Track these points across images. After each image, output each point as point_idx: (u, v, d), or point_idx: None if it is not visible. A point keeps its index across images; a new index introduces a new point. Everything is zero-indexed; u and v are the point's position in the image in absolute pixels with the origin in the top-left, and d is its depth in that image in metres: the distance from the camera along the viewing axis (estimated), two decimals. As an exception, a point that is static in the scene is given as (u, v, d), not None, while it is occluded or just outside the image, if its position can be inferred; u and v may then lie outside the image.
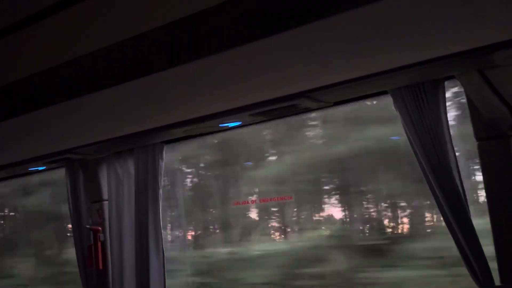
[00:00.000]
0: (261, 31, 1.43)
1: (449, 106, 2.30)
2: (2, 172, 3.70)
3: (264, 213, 3.89)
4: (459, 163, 2.27)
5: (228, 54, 1.55)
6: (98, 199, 3.47)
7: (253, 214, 3.90)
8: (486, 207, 2.22)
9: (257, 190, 3.88)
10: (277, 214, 3.89)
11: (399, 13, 1.39)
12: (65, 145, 2.97)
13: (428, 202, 3.16)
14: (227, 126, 2.79)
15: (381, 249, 3.32)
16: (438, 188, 2.24)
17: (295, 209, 3.81)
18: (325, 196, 3.71)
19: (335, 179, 3.70)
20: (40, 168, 3.65)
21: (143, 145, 3.17)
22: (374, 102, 3.05)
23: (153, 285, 3.14)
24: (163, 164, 3.18)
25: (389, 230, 3.52)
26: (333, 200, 3.69)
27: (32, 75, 1.74)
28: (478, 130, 2.25)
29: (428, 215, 3.42)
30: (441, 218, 2.30)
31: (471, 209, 2.24)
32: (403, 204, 3.51)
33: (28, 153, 3.10)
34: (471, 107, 2.25)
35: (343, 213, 3.69)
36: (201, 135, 3.04)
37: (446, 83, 2.28)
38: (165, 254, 3.19)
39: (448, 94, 2.29)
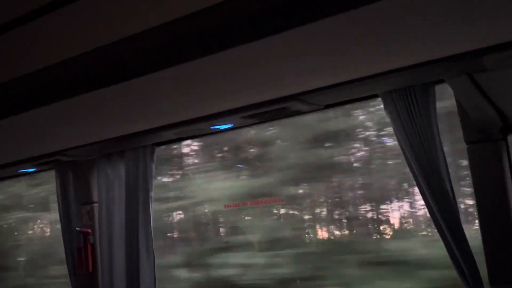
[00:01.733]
0: (252, 34, 1.43)
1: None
2: None
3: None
4: (449, 166, 2.28)
5: (219, 56, 1.55)
6: (88, 201, 3.45)
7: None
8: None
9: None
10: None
11: (390, 17, 1.40)
12: (55, 147, 2.95)
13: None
14: (219, 128, 2.78)
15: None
16: (428, 191, 2.25)
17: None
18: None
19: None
20: (29, 170, 3.63)
21: (134, 147, 3.16)
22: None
23: (143, 287, 3.12)
24: (154, 166, 3.17)
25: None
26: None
27: (21, 76, 1.72)
28: (468, 134, 2.26)
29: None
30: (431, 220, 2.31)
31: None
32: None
33: (18, 155, 3.07)
34: (460, 110, 2.27)
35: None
36: (192, 137, 3.04)
37: (436, 86, 2.29)
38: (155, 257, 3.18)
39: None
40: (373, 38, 1.57)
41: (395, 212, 3.31)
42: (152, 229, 3.16)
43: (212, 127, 2.75)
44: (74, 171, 3.48)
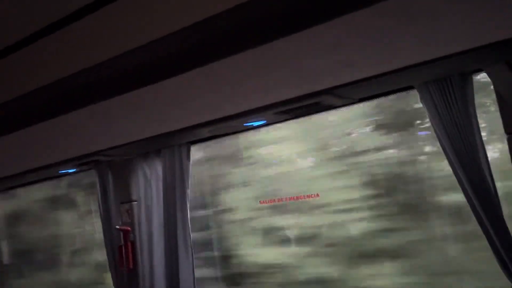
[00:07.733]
0: (284, 29, 1.43)
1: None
2: (33, 175, 3.79)
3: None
4: (488, 157, 2.23)
5: (252, 53, 1.56)
6: (127, 199, 3.53)
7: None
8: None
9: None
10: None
11: (424, 6, 1.38)
12: (94, 147, 3.03)
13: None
14: (252, 125, 2.80)
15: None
16: (467, 183, 2.21)
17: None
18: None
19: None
20: (70, 171, 3.73)
21: (170, 146, 3.21)
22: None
23: (183, 284, 3.18)
24: (190, 164, 3.21)
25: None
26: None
27: (62, 78, 1.77)
28: (508, 123, 2.20)
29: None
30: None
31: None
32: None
33: (58, 156, 3.16)
34: (500, 100, 2.21)
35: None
36: (226, 134, 3.06)
37: (473, 76, 2.24)
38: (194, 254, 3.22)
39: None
40: (407, 28, 1.55)
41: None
42: (189, 226, 3.21)
43: (245, 124, 2.77)
44: (113, 171, 3.56)
